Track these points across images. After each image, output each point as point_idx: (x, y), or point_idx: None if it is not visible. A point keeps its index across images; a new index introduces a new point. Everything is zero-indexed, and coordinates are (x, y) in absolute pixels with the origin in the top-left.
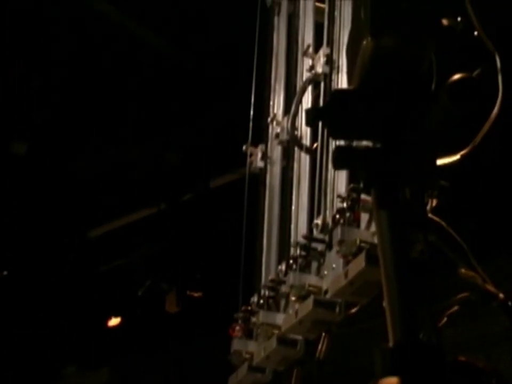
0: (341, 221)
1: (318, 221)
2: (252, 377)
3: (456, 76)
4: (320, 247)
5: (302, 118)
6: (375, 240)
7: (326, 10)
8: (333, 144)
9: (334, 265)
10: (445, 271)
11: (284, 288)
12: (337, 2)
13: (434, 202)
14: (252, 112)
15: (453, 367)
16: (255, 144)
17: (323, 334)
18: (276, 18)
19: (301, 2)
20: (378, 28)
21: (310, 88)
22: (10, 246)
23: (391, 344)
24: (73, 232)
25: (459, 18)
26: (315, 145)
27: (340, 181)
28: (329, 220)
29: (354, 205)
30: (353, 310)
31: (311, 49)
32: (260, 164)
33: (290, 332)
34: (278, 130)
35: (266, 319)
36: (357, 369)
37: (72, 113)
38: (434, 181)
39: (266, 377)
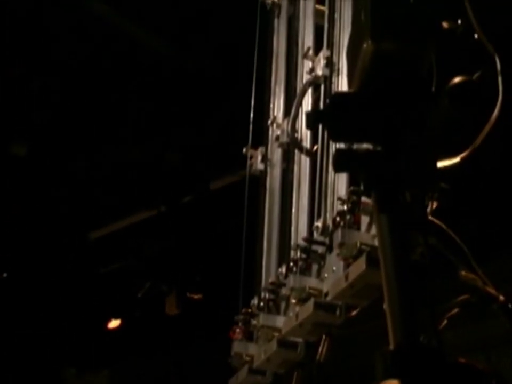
0: (342, 223)
1: (319, 224)
2: (252, 380)
3: (457, 79)
4: (320, 249)
5: (302, 121)
6: (376, 242)
7: (326, 12)
8: (333, 146)
9: (334, 268)
10: (445, 274)
11: (284, 291)
12: (337, 5)
13: (435, 204)
14: (252, 115)
15: (453, 369)
16: (255, 146)
17: (323, 336)
18: (276, 21)
19: (301, 5)
20: (379, 31)
21: (310, 91)
22: (10, 247)
23: (391, 346)
24: (73, 234)
25: (459, 21)
26: (315, 147)
27: (340, 183)
28: (329, 222)
29: (354, 207)
30: (354, 313)
31: (311, 52)
32: (260, 166)
33: (291, 334)
34: (278, 132)
35: (266, 322)
36: (357, 372)
37: (72, 114)
38: (435, 184)
39: (266, 380)
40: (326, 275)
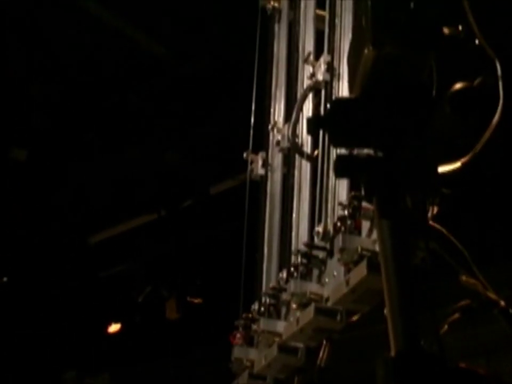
0: (342, 228)
1: (319, 229)
2: None
3: (458, 85)
4: (321, 254)
5: (302, 126)
6: (377, 247)
7: (327, 17)
8: (333, 151)
9: (335, 273)
10: (446, 278)
11: (284, 296)
12: (338, 10)
13: (435, 209)
14: (252, 119)
15: (454, 374)
16: (255, 151)
17: (324, 341)
18: (276, 26)
19: (302, 10)
20: (380, 37)
21: (310, 96)
22: (11, 251)
23: (392, 352)
24: (73, 238)
25: (460, 27)
26: (316, 152)
27: (341, 188)
28: (330, 227)
29: (355, 212)
30: (355, 318)
31: (311, 57)
32: (261, 171)
33: (291, 339)
34: (279, 137)
35: (267, 327)
36: (358, 377)
37: (71, 119)
38: (436, 189)
39: None
40: (326, 280)
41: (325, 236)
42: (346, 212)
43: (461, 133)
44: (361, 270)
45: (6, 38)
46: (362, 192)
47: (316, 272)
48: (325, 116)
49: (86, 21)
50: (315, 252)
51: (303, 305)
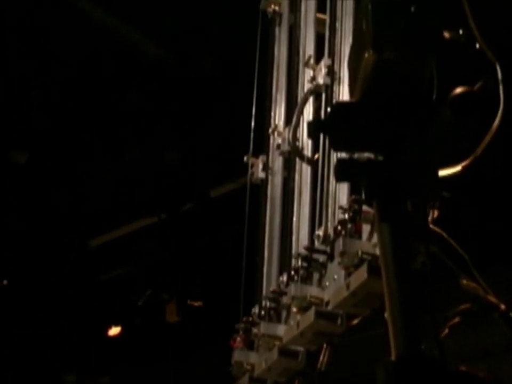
0: (343, 232)
1: (320, 232)
2: None
3: (458, 90)
4: (321, 258)
5: (303, 129)
6: (377, 251)
7: (327, 21)
8: (334, 155)
9: (335, 277)
10: (447, 282)
11: (285, 299)
12: (339, 14)
13: (436, 213)
14: (253, 123)
15: (454, 378)
16: (256, 155)
17: (324, 345)
18: (277, 29)
19: (302, 13)
20: (380, 41)
21: (311, 99)
22: (11, 254)
23: (393, 356)
24: (74, 241)
25: (461, 31)
26: (316, 156)
27: (341, 192)
28: (330, 231)
29: (356, 216)
30: (355, 322)
31: (312, 60)
32: (261, 174)
33: (292, 343)
34: (279, 141)
35: (267, 330)
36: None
37: (71, 121)
38: (436, 193)
39: None
40: (327, 284)
41: (326, 239)
42: (346, 216)
43: (461, 136)
44: (361, 274)
45: (6, 41)
46: (363, 196)
47: (316, 275)
48: (326, 119)
49: (85, 22)
50: (315, 256)
51: (303, 309)
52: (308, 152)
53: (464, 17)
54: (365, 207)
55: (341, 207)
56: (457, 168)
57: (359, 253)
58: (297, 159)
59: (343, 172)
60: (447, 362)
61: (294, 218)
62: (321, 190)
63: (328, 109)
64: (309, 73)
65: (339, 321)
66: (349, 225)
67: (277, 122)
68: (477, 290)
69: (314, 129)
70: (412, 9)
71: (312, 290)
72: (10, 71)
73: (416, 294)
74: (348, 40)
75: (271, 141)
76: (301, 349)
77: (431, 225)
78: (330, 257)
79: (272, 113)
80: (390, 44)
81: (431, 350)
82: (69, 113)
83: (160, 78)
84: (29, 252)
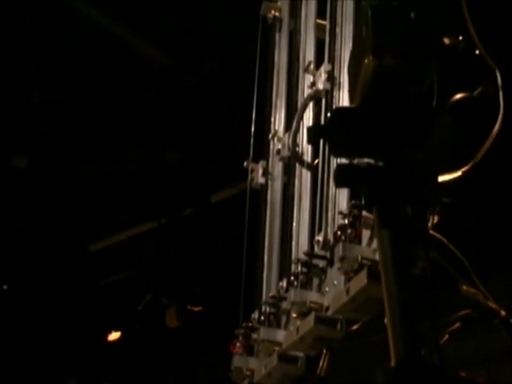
0: (342, 237)
1: (319, 238)
2: None
3: (458, 95)
4: (321, 263)
5: (303, 135)
6: (377, 256)
7: (327, 27)
8: (334, 160)
9: (335, 282)
10: (447, 288)
11: (284, 305)
12: (339, 19)
13: (436, 219)
14: (253, 128)
15: (454, 383)
16: (256, 160)
17: (324, 350)
18: (277, 35)
19: (302, 19)
20: (380, 47)
21: (311, 105)
22: (11, 259)
23: (392, 361)
24: (74, 246)
25: (460, 37)
26: (316, 161)
27: (341, 197)
28: (330, 236)
29: (355, 221)
30: (355, 327)
31: (312, 66)
32: (261, 180)
33: (291, 348)
34: (279, 146)
35: (267, 336)
36: None
37: (72, 127)
38: (436, 198)
39: None
40: (327, 289)
41: (325, 244)
42: (346, 221)
43: (461, 142)
44: (361, 279)
45: (6, 45)
46: (363, 202)
47: (316, 281)
48: (325, 125)
49: (85, 23)
50: (315, 261)
51: (303, 314)
52: (307, 157)
53: (464, 23)
54: (364, 212)
55: (340, 213)
56: (457, 174)
57: (359, 258)
58: (297, 165)
59: (343, 177)
60: (447, 368)
61: (294, 224)
62: (321, 195)
63: (328, 115)
64: (309, 78)
65: (339, 327)
66: (349, 231)
67: (277, 127)
68: (477, 296)
69: (314, 134)
70: (412, 15)
71: (312, 296)
72: (10, 72)
73: (416, 299)
74: (348, 45)
75: (271, 146)
76: (300, 354)
77: (431, 231)
78: (330, 262)
79: (272, 119)
80: (390, 50)
81: (431, 356)
82: (68, 114)
83: (160, 85)
84: (29, 256)
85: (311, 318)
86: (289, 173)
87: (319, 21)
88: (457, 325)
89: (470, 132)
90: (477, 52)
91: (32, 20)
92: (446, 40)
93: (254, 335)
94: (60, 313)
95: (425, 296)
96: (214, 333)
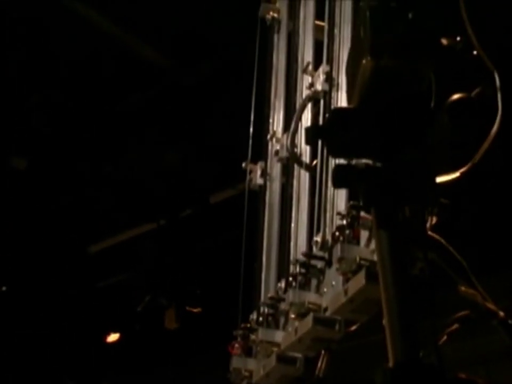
0: (341, 238)
1: (318, 238)
2: None
3: (456, 96)
4: (319, 264)
5: (301, 135)
6: (375, 257)
7: (326, 28)
8: (332, 161)
9: (333, 283)
10: (445, 289)
11: (283, 306)
12: (337, 20)
13: (434, 220)
14: (251, 129)
15: None
16: (254, 161)
17: (323, 351)
18: (275, 36)
19: (301, 20)
20: (378, 47)
21: (309, 106)
22: (10, 261)
23: (391, 362)
24: (73, 247)
25: (458, 38)
26: (314, 162)
27: (339, 198)
28: (328, 237)
29: (354, 222)
30: (353, 328)
31: (310, 67)
32: (260, 181)
33: (290, 349)
34: (278, 147)
35: (265, 337)
36: None
37: (72, 127)
38: (434, 199)
39: None
40: (325, 290)
41: (324, 245)
42: (344, 222)
43: (459, 143)
44: (359, 280)
45: (6, 47)
46: (361, 202)
47: (314, 282)
48: (324, 125)
49: (84, 24)
50: (313, 262)
51: (301, 315)
52: (306, 158)
53: (462, 23)
54: (363, 213)
55: (339, 213)
56: (456, 175)
57: (357, 259)
58: (296, 165)
59: (341, 178)
60: (446, 368)
61: (292, 224)
62: (319, 196)
63: (326, 115)
64: (307, 79)
65: (337, 327)
66: (347, 231)
67: (275, 128)
68: (476, 297)
69: (312, 135)
70: (410, 15)
71: (310, 297)
72: (10, 72)
73: (414, 300)
74: (346, 46)
75: (270, 147)
76: (299, 355)
77: (429, 232)
78: (328, 263)
79: (271, 120)
80: (388, 50)
81: (430, 357)
82: (68, 114)
83: (159, 86)
84: (28, 257)
85: (310, 318)
86: (287, 174)
87: (317, 22)
88: (455, 325)
89: (468, 133)
90: (475, 52)
91: (32, 20)
92: (444, 41)
93: (253, 336)
94: (59, 314)
95: (424, 297)
96: (212, 334)
